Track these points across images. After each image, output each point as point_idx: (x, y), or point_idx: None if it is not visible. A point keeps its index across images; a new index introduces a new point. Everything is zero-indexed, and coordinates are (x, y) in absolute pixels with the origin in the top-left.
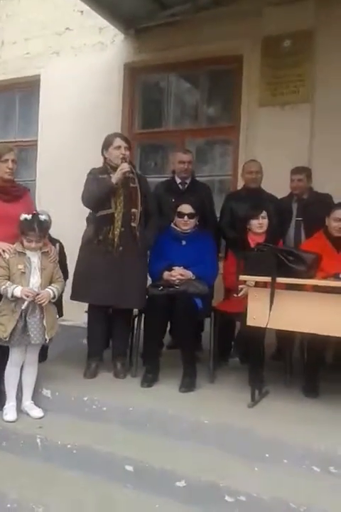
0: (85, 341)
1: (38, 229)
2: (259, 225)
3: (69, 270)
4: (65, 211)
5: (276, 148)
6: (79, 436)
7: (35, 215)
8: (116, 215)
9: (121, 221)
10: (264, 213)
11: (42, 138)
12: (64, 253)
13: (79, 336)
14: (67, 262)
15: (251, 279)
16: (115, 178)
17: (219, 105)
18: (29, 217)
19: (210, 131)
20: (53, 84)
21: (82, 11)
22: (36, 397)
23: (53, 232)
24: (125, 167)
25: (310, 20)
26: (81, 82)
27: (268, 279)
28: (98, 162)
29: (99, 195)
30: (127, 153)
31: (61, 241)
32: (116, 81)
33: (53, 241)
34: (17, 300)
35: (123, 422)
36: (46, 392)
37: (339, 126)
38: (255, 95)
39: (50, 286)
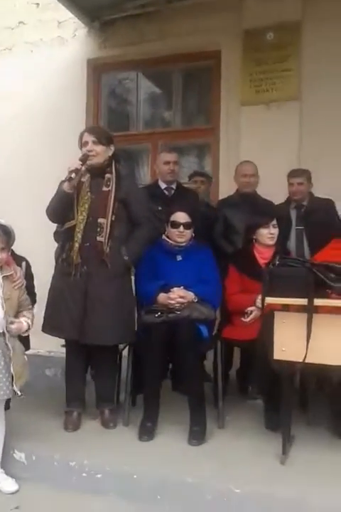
0: (49, 372)
1: (2, 232)
2: (270, 235)
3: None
4: (24, 227)
5: (262, 150)
6: None
7: None
8: (77, 226)
9: (82, 234)
10: (275, 221)
11: None
12: (31, 274)
13: (41, 366)
14: (34, 284)
15: (282, 302)
16: (66, 183)
17: (195, 105)
18: None
19: (186, 133)
20: (6, 84)
21: (37, 4)
22: (6, 464)
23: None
24: (70, 167)
25: (296, 11)
26: (38, 81)
27: (302, 301)
28: (59, 170)
29: (54, 205)
30: (97, 148)
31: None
32: (78, 79)
33: (18, 259)
34: None
35: (126, 494)
36: (19, 456)
37: (330, 125)
38: (236, 94)
39: (23, 318)
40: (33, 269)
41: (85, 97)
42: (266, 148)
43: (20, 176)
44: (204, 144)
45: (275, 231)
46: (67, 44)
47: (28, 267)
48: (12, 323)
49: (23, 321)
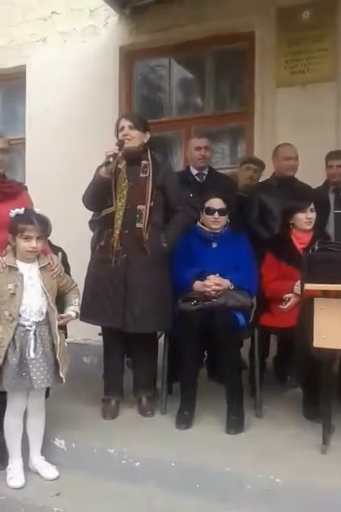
0: (86, 360)
1: (38, 221)
2: (308, 220)
3: None
4: (60, 216)
5: (299, 133)
6: (110, 505)
7: (30, 209)
8: (116, 213)
9: (122, 221)
10: (313, 205)
11: (30, 134)
12: (67, 264)
13: (78, 354)
14: (71, 274)
15: (322, 288)
16: (103, 168)
17: (228, 89)
18: (21, 210)
19: (220, 118)
20: (41, 75)
21: None
22: (47, 450)
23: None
24: (108, 152)
25: None
26: (72, 71)
27: None
28: (94, 158)
29: (91, 191)
30: (133, 133)
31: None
32: (111, 67)
33: (55, 249)
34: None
35: (165, 482)
36: (59, 443)
37: None
38: (270, 75)
39: (70, 308)
40: (69, 260)
41: (118, 85)
42: (303, 130)
43: (57, 164)
44: (238, 128)
45: (312, 215)
46: (99, 32)
47: (64, 256)
48: (61, 318)
49: (71, 313)
